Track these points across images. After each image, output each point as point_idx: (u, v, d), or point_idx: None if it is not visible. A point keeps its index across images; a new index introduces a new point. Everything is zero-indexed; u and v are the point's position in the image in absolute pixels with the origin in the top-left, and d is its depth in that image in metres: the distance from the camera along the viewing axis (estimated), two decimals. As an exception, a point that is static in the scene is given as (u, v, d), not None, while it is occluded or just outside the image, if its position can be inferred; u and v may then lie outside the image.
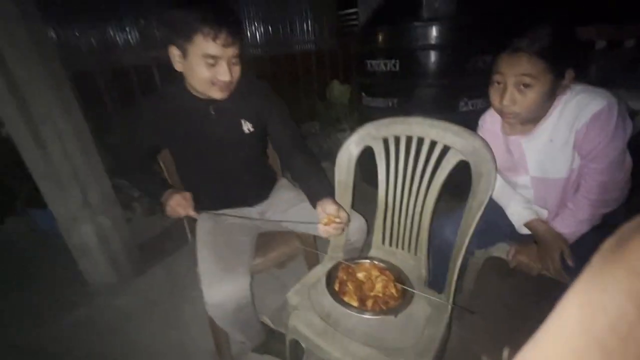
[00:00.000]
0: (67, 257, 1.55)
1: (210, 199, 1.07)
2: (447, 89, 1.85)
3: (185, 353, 1.25)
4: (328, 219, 0.84)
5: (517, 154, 0.94)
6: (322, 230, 0.86)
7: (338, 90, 3.13)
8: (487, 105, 1.90)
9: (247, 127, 1.01)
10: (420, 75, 1.85)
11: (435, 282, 0.96)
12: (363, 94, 2.20)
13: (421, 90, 1.89)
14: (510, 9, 1.80)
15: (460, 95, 1.84)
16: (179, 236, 1.91)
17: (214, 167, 1.04)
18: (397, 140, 0.95)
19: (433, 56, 1.80)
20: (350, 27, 4.21)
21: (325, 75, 3.57)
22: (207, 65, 0.82)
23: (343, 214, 0.86)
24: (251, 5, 3.66)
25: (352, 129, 1.02)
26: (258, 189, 1.16)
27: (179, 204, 0.93)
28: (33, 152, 1.23)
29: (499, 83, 0.83)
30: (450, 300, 0.82)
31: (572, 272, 0.85)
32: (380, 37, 1.96)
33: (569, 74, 0.79)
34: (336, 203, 0.88)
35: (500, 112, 0.87)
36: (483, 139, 0.81)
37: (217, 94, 0.89)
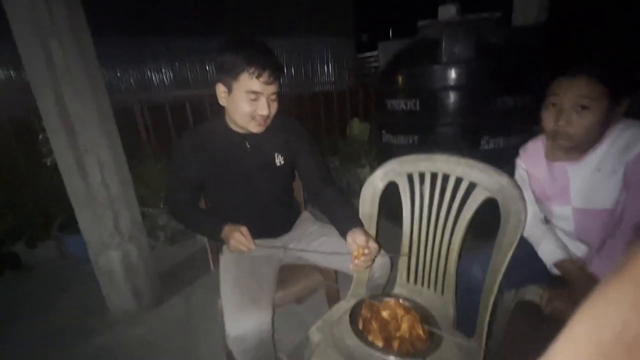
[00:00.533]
0: (92, 284, 1.58)
1: None
2: (468, 128, 1.88)
3: (200, 390, 1.21)
4: (358, 252, 0.84)
5: (560, 181, 0.92)
6: (352, 265, 0.85)
7: (358, 128, 3.23)
8: (509, 143, 1.89)
9: (279, 160, 1.07)
10: (441, 114, 1.89)
11: (464, 324, 0.91)
12: (383, 131, 2.26)
13: (442, 128, 1.92)
14: (527, 53, 1.86)
15: (481, 133, 1.86)
16: (199, 266, 1.93)
17: (243, 198, 1.08)
18: (421, 176, 0.96)
19: (453, 96, 1.85)
20: (370, 69, 4.42)
21: (346, 114, 3.71)
22: (249, 101, 0.92)
23: (373, 245, 0.86)
24: (277, 50, 3.97)
25: (372, 165, 1.05)
26: (283, 221, 1.19)
27: (239, 242, 0.94)
28: (76, 180, 1.32)
29: (554, 105, 0.84)
30: (483, 345, 0.78)
31: None
32: (400, 78, 2.05)
33: (625, 101, 0.80)
34: (366, 233, 0.89)
35: (554, 135, 0.86)
36: (511, 177, 0.81)
37: (255, 128, 0.97)
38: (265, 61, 0.89)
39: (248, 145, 1.04)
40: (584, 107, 0.79)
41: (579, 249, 0.94)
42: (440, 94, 1.87)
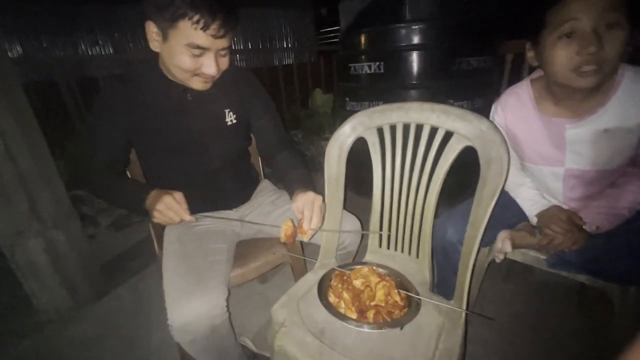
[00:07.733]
0: (15, 281, 1.32)
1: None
2: (433, 91, 1.81)
3: (151, 387, 1.06)
4: (287, 225, 0.74)
5: (555, 140, 0.80)
6: (305, 237, 0.73)
7: (321, 99, 3.08)
8: (473, 106, 1.85)
9: (229, 118, 0.90)
10: (406, 76, 1.80)
11: (442, 287, 0.84)
12: (347, 99, 2.14)
13: (407, 92, 1.85)
14: (494, 12, 1.81)
15: (446, 96, 1.81)
16: (148, 253, 1.72)
17: (189, 164, 0.90)
18: (392, 129, 0.85)
19: (418, 57, 1.76)
20: (331, 43, 4.27)
21: (307, 86, 3.52)
22: (191, 56, 0.71)
23: (314, 204, 0.74)
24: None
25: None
26: (239, 190, 1.03)
27: (170, 207, 0.73)
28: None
29: (568, 36, 0.66)
30: (464, 306, 0.71)
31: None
32: (363, 40, 1.92)
33: (637, 35, 0.66)
34: (309, 195, 0.75)
35: (575, 72, 0.68)
36: (491, 122, 0.72)
37: (198, 85, 0.78)
38: (216, 7, 0.67)
39: (190, 97, 0.84)
40: (613, 26, 0.61)
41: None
42: (405, 55, 1.78)
